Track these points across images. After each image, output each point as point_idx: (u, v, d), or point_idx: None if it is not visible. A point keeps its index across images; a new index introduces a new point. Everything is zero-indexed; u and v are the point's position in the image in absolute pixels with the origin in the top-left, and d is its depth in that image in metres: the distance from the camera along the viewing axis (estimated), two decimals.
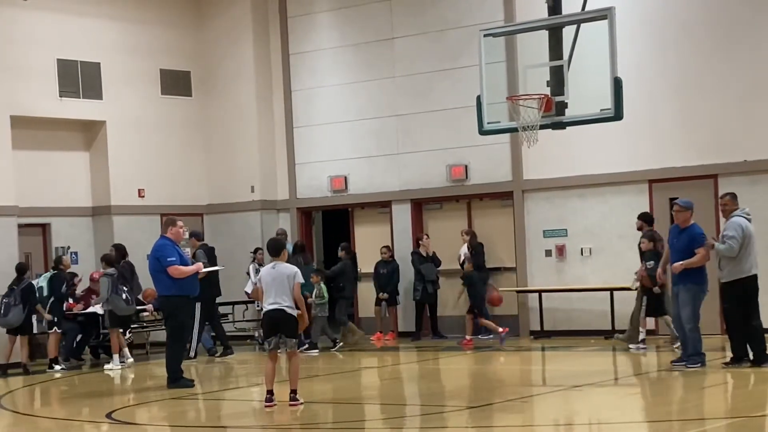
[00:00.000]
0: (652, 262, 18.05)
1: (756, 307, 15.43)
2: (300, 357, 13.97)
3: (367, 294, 23.58)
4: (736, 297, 15.36)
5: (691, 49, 20.19)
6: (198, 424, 13.57)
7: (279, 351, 13.72)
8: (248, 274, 22.19)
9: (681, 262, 15.62)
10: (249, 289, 21.86)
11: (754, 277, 15.37)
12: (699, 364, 15.46)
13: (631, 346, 18.53)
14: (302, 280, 13.75)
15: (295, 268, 13.75)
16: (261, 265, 21.68)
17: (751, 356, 15.32)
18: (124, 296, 19.54)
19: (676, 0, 20.37)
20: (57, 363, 19.78)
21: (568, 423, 12.48)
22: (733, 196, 15.72)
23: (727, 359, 15.60)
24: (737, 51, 19.79)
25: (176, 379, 16.11)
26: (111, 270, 19.86)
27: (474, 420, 12.65)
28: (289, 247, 22.23)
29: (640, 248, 18.42)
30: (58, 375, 19.28)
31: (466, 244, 21.83)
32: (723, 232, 15.45)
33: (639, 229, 19.00)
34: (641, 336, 18.47)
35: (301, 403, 13.58)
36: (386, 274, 22.57)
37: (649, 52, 20.42)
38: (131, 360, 19.91)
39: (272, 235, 22.86)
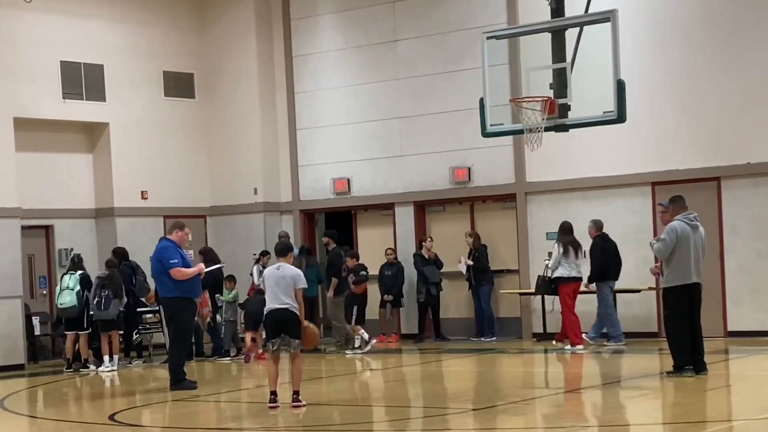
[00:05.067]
0: (363, 273, 20.66)
1: (697, 316, 15.06)
2: (302, 358, 13.97)
3: (370, 296, 23.56)
4: (675, 304, 14.93)
5: (694, 52, 20.19)
6: (201, 425, 13.58)
7: (282, 351, 13.75)
8: (251, 275, 22.19)
9: None
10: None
11: (695, 286, 14.93)
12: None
13: (347, 352, 20.17)
14: (305, 285, 13.86)
15: (299, 272, 13.85)
16: (264, 267, 21.71)
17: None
18: (95, 300, 19.53)
19: (679, 3, 20.38)
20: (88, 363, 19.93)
21: (571, 425, 12.47)
22: (674, 202, 15.24)
23: (668, 367, 15.26)
24: (740, 54, 19.79)
25: (179, 381, 16.12)
26: (101, 273, 19.91)
27: (477, 422, 12.65)
28: (295, 250, 22.29)
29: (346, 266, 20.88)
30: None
31: (465, 257, 21.88)
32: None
33: (326, 245, 21.56)
34: (357, 342, 20.37)
35: (304, 405, 13.60)
36: (391, 276, 22.59)
37: (652, 55, 20.43)
38: (120, 364, 19.92)
39: (275, 238, 22.99)
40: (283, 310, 13.61)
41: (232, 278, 21.40)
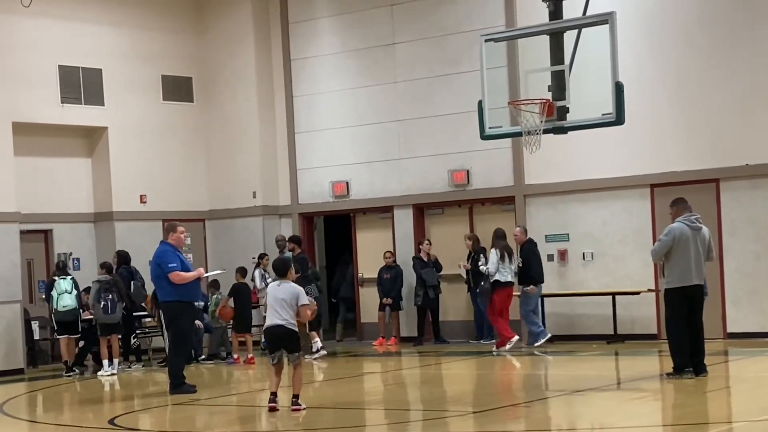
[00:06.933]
0: (312, 286, 20.36)
1: (698, 317, 15.01)
2: (303, 366, 13.98)
3: (369, 299, 23.59)
4: (676, 305, 14.92)
5: (693, 54, 20.20)
6: (200, 429, 13.57)
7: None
8: (253, 279, 22.19)
9: None
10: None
11: (696, 287, 14.90)
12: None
13: (307, 356, 19.66)
14: (307, 302, 13.81)
15: (300, 289, 13.75)
16: (266, 270, 21.75)
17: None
18: (102, 304, 19.53)
19: (677, 5, 20.39)
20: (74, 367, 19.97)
21: (571, 428, 12.48)
22: (676, 204, 15.23)
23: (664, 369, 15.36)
24: (738, 55, 19.80)
25: (178, 385, 16.10)
26: (102, 276, 19.91)
27: (477, 425, 12.64)
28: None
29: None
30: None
31: (464, 260, 21.88)
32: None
33: (291, 250, 21.10)
34: (315, 347, 20.23)
35: (304, 408, 13.59)
36: (389, 279, 22.59)
37: (650, 57, 20.43)
38: (120, 368, 19.91)
39: (273, 241, 22.98)
40: (280, 326, 13.60)
41: (215, 284, 21.44)
